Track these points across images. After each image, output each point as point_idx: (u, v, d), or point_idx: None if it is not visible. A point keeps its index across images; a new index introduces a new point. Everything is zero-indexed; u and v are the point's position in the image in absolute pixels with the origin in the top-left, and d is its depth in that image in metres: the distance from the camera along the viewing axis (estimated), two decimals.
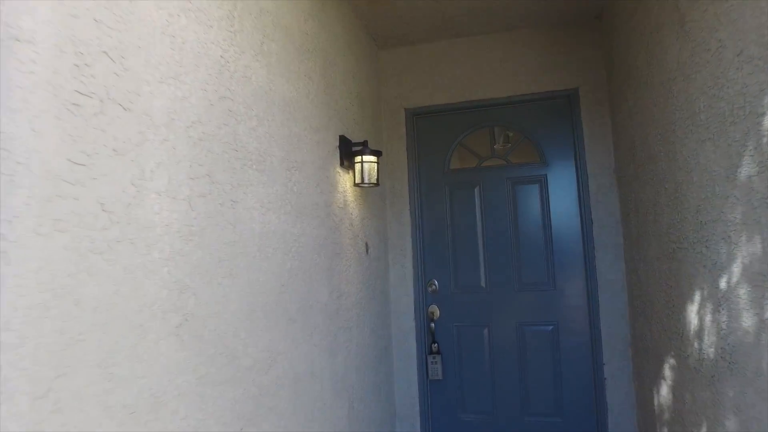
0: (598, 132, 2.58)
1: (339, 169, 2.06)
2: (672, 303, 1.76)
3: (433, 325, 2.79)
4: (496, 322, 2.72)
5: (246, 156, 1.34)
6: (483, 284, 2.75)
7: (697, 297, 1.52)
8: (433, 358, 2.77)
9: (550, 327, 2.64)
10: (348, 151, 2.11)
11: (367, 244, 2.37)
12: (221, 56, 1.24)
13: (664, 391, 1.89)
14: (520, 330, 2.68)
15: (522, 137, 2.76)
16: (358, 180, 2.07)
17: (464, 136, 2.84)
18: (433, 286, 2.82)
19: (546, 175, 2.70)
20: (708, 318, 1.47)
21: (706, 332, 1.49)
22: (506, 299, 2.72)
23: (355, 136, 2.29)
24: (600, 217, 2.54)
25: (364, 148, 2.07)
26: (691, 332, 1.58)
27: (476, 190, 2.80)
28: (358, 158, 2.08)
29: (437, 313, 2.81)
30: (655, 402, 2.02)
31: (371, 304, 2.41)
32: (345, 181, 2.12)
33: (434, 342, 2.78)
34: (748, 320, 1.24)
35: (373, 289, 2.45)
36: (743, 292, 1.25)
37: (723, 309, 1.37)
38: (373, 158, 2.08)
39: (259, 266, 1.36)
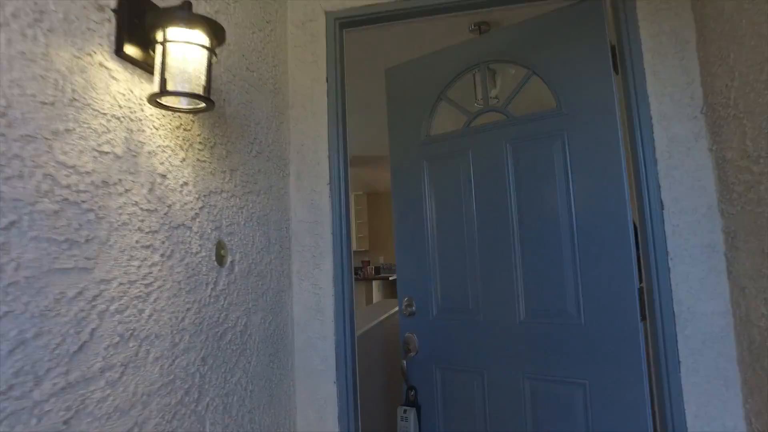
0: (669, 44, 1.41)
1: (113, 62, 0.83)
2: None
3: (405, 363, 1.70)
4: (492, 367, 1.58)
5: None
6: (471, 306, 1.62)
7: None
8: (404, 412, 1.69)
9: (579, 389, 1.47)
10: (147, 24, 0.88)
11: (221, 247, 1.14)
12: None
13: None
14: (530, 386, 1.52)
15: (528, 73, 1.58)
16: (156, 87, 0.83)
17: (447, 87, 1.65)
18: (411, 308, 1.72)
19: (564, 131, 1.52)
20: None
21: None
22: (506, 333, 1.56)
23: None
24: (678, 196, 1.37)
25: (178, 10, 0.84)
26: None
27: (465, 161, 1.63)
28: (159, 35, 0.84)
29: (414, 342, 1.69)
30: None
31: (233, 370, 1.17)
32: (137, 91, 0.89)
33: (411, 389, 1.69)
34: None
35: (238, 338, 1.21)
36: None
37: None
38: (198, 36, 0.85)
39: None
